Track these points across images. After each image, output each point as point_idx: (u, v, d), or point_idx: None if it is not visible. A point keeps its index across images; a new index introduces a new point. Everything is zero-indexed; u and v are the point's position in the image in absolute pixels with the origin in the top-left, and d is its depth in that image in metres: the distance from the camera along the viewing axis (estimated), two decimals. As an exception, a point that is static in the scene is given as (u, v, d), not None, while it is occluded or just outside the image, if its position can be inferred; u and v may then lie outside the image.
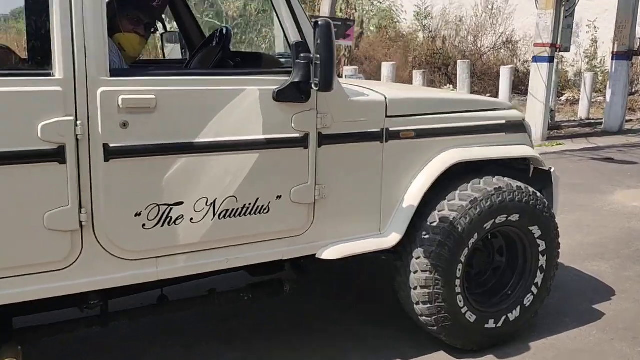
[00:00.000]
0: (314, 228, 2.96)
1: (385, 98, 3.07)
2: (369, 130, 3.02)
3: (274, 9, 2.73)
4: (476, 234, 3.18)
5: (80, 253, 2.43)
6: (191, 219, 2.63)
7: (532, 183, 3.56)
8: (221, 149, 2.65)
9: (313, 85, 2.64)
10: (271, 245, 2.88)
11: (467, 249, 3.17)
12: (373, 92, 3.11)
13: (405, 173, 3.17)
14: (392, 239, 3.12)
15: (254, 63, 3.26)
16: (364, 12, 17.09)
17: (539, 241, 3.41)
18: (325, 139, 2.88)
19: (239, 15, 12.74)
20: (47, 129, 2.27)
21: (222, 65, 3.16)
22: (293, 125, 2.77)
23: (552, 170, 3.60)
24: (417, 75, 10.22)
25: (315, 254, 2.99)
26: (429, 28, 16.80)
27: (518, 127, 3.53)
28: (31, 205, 2.31)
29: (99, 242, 2.47)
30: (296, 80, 2.70)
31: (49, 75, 2.30)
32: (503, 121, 3.48)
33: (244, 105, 2.67)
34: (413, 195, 3.16)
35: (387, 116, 3.07)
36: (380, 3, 17.57)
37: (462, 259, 3.17)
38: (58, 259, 2.40)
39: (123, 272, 2.55)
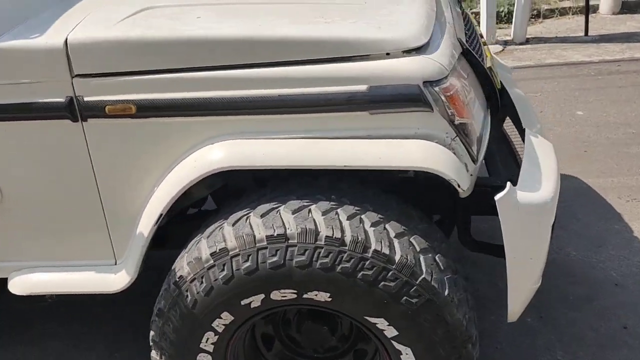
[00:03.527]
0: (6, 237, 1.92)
1: (66, 40, 1.63)
2: (43, 101, 1.69)
3: None
4: (227, 313, 1.65)
5: None
6: None
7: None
8: None
9: None
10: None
11: (212, 334, 1.69)
12: (49, 28, 1.69)
13: (137, 173, 1.76)
14: (120, 279, 1.85)
15: None
16: None
17: (397, 346, 1.64)
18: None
19: None
20: None
21: None
22: None
23: (497, 198, 1.60)
24: None
25: (7, 279, 1.97)
26: None
27: (401, 99, 1.59)
28: None
29: None
30: None
31: None
32: (363, 87, 1.59)
33: None
34: (149, 215, 1.77)
35: (75, 75, 1.66)
36: None
37: (206, 347, 1.72)
38: None
39: None
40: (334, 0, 1.87)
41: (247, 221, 1.62)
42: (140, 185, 1.77)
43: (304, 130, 1.64)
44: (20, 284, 1.92)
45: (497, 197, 1.60)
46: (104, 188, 1.79)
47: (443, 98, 1.59)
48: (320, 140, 1.62)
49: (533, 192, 1.66)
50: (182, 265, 1.69)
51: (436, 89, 1.58)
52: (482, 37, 2.38)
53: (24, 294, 1.93)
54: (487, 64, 2.02)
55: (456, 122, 1.63)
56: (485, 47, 2.20)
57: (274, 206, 1.64)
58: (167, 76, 1.63)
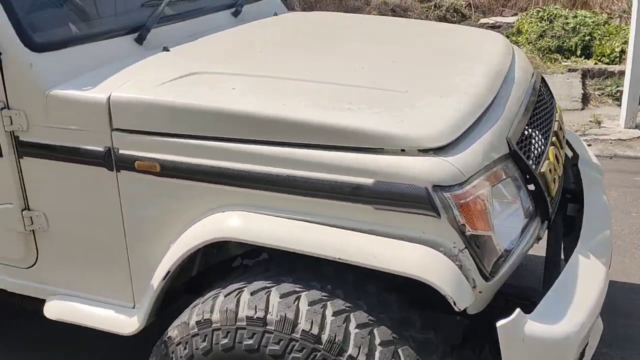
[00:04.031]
0: (41, 266, 2.08)
1: (109, 97, 1.75)
2: (85, 147, 1.82)
3: None
4: (203, 383, 1.63)
5: None
6: None
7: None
8: None
9: None
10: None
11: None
12: (101, 83, 1.81)
13: (159, 228, 1.83)
14: (132, 323, 1.92)
15: None
16: None
17: None
18: (24, 148, 1.91)
19: None
20: None
21: None
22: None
23: (499, 325, 1.43)
24: None
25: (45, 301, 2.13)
26: None
27: (408, 200, 1.49)
28: None
29: None
30: None
31: None
32: (370, 180, 1.52)
33: None
34: (160, 270, 1.82)
35: (113, 129, 1.77)
36: None
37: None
38: None
39: None
40: (377, 84, 1.82)
41: (238, 296, 1.61)
42: (160, 239, 1.83)
43: (310, 213, 1.61)
44: (52, 309, 2.06)
45: (499, 323, 1.44)
46: (130, 235, 1.88)
47: (454, 205, 1.47)
48: (322, 227, 1.58)
49: (548, 325, 1.47)
50: (174, 326, 1.71)
51: (447, 194, 1.47)
52: (559, 132, 2.18)
53: (53, 319, 2.06)
54: (543, 167, 1.84)
55: (467, 233, 1.49)
56: (553, 147, 2.01)
57: (268, 285, 1.61)
58: (189, 142, 1.69)
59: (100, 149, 1.80)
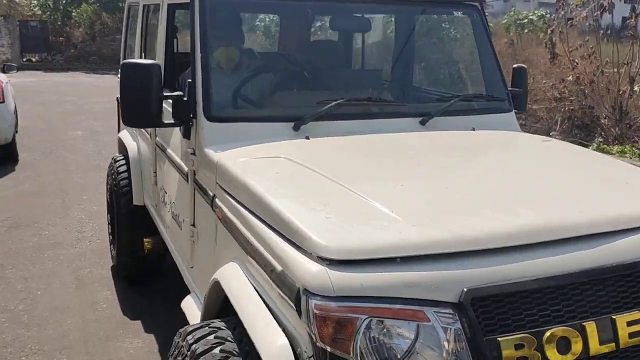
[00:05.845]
0: (194, 269, 2.90)
1: (217, 160, 2.40)
2: (208, 191, 2.53)
3: None
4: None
5: None
6: (167, 208, 3.38)
7: None
8: (170, 161, 3.19)
9: None
10: (185, 260, 3.09)
11: None
12: (223, 151, 2.44)
13: (223, 257, 2.37)
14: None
15: None
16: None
17: None
18: (195, 183, 2.76)
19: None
20: None
21: None
22: (184, 157, 2.87)
23: None
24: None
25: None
26: None
27: (289, 290, 1.66)
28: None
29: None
30: None
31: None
32: (279, 268, 1.69)
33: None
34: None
35: (216, 182, 2.41)
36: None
37: None
38: None
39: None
40: (390, 203, 1.89)
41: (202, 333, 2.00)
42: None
43: (258, 281, 1.92)
44: (184, 302, 2.81)
45: None
46: (217, 255, 2.47)
47: (311, 313, 1.57)
48: (252, 294, 1.89)
49: None
50: None
51: (311, 301, 1.58)
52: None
53: (182, 308, 2.81)
54: (511, 344, 1.62)
55: (317, 344, 1.56)
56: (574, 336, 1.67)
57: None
58: (231, 201, 2.22)
59: (211, 194, 2.48)
